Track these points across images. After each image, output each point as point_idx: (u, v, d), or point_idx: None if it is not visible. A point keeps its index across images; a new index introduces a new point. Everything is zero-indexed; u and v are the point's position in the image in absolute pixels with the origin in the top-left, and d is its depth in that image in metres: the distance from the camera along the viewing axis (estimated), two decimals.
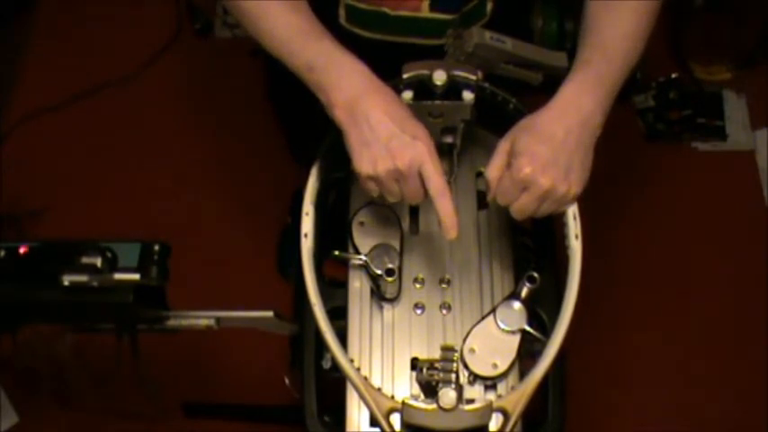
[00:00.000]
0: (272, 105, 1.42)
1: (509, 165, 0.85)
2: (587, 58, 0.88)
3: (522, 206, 0.85)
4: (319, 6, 0.90)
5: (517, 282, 0.93)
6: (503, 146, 0.86)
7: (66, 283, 0.82)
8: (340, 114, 0.84)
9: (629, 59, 0.89)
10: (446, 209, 0.84)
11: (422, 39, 1.09)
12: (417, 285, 0.98)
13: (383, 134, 0.82)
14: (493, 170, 0.86)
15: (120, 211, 1.78)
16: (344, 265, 0.98)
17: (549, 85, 0.91)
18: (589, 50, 0.88)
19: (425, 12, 1.06)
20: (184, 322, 0.94)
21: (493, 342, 0.90)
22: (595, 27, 0.89)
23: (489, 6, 1.11)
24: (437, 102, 0.92)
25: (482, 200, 1.03)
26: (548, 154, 0.83)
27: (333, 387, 0.94)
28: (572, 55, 0.91)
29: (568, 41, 1.74)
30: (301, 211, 0.90)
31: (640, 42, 0.90)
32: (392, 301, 0.97)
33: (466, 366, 0.89)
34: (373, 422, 0.86)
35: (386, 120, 0.82)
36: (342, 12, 1.08)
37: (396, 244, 0.96)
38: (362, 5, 1.06)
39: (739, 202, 1.80)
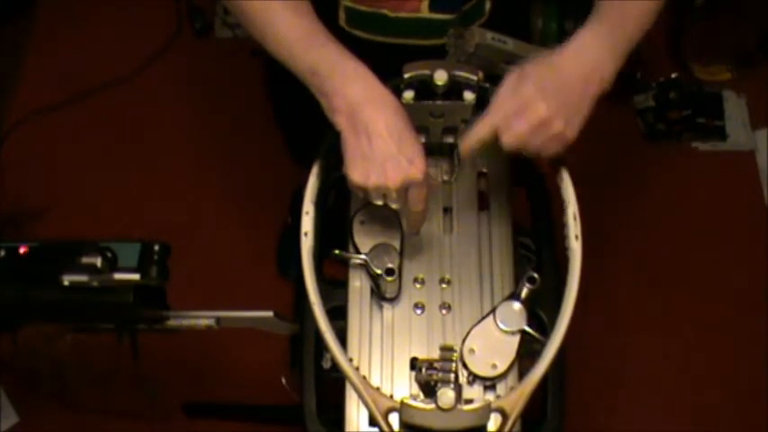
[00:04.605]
0: (271, 106, 1.42)
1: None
2: (604, 12, 0.88)
3: (515, 132, 0.84)
4: (319, 9, 0.90)
5: (517, 282, 0.93)
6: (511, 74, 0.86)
7: (66, 283, 0.82)
8: (341, 120, 0.84)
9: (644, 20, 0.90)
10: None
11: (422, 39, 1.09)
12: (417, 285, 0.98)
13: (380, 152, 0.83)
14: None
15: (120, 211, 1.78)
16: (344, 264, 0.98)
17: None
18: (606, 6, 0.89)
19: (425, 12, 1.06)
20: (184, 322, 0.94)
21: (492, 342, 0.89)
22: None
23: (488, 5, 1.11)
24: (438, 102, 0.93)
25: (483, 200, 1.03)
26: (554, 85, 0.83)
27: (332, 387, 0.94)
28: None
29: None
30: (301, 210, 0.90)
31: (655, 6, 0.90)
32: (392, 300, 0.97)
33: (465, 366, 0.89)
34: (372, 422, 0.86)
35: (385, 135, 0.82)
36: (342, 14, 1.07)
37: (396, 243, 0.96)
38: (362, 8, 1.06)
39: (739, 202, 1.81)
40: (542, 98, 0.82)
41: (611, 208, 1.74)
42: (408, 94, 0.91)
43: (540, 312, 0.94)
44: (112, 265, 0.84)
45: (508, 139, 0.84)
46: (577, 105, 0.84)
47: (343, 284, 0.98)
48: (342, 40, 0.87)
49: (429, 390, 0.83)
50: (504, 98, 0.85)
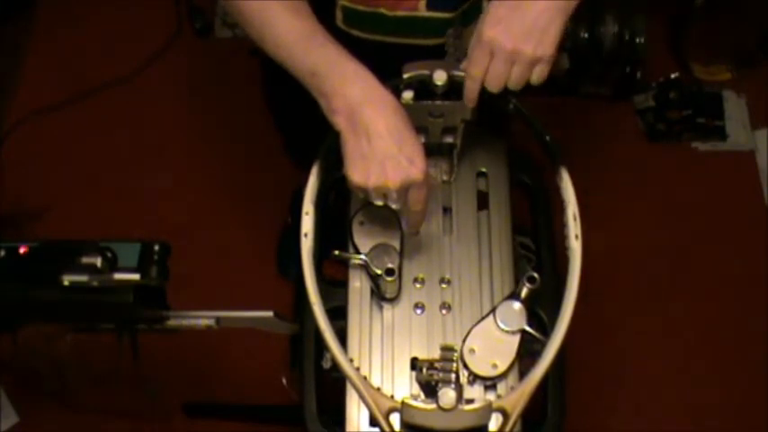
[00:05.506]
0: (269, 109, 1.42)
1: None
2: None
3: (493, 74, 0.86)
4: (315, 9, 0.90)
5: (517, 282, 0.93)
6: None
7: (66, 282, 0.82)
8: (340, 121, 0.84)
9: None
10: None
11: (420, 39, 1.09)
12: (417, 285, 0.98)
13: (380, 152, 0.83)
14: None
15: (120, 211, 1.78)
16: (344, 264, 0.98)
17: (548, 86, 0.91)
18: None
19: (422, 11, 1.05)
20: (184, 322, 0.94)
21: (493, 342, 0.90)
22: None
23: (486, 5, 1.10)
24: (437, 102, 0.93)
25: (482, 200, 1.03)
26: (510, 16, 0.84)
27: (333, 387, 0.94)
28: (572, 55, 0.91)
29: (568, 41, 1.74)
30: (301, 210, 0.90)
31: None
32: (392, 300, 0.97)
33: (466, 366, 0.89)
34: (373, 422, 0.86)
35: (385, 135, 0.83)
36: (339, 14, 1.07)
37: (396, 244, 0.96)
38: (360, 7, 1.05)
39: (739, 202, 1.81)
40: (503, 35, 0.84)
41: (612, 208, 1.74)
42: (408, 95, 0.91)
43: (540, 312, 0.94)
44: (112, 265, 0.84)
45: (492, 84, 0.87)
46: (542, 24, 0.85)
47: (343, 284, 0.98)
48: (339, 40, 0.87)
49: (430, 390, 0.84)
50: (473, 49, 0.87)
